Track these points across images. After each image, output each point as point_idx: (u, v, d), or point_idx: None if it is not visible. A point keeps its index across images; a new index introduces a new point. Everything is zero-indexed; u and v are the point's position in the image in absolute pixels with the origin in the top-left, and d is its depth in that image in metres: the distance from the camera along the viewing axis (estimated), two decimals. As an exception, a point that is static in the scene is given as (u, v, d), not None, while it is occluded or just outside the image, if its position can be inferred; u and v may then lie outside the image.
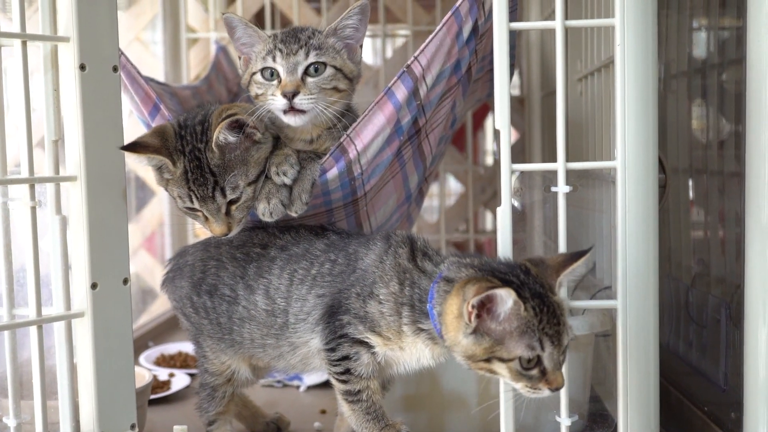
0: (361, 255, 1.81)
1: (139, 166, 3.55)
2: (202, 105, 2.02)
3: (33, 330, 1.65)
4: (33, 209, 1.63)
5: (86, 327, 1.67)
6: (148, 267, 3.70)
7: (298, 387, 2.65)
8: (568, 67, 2.49)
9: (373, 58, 4.30)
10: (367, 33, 3.66)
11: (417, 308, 1.70)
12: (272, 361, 1.95)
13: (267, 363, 1.99)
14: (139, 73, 2.00)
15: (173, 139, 1.83)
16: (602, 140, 2.23)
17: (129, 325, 1.74)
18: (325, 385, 2.55)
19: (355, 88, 2.04)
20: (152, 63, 3.60)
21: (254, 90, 1.97)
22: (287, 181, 1.86)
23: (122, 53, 1.90)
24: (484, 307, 1.56)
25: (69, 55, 1.62)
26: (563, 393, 1.74)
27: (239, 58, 2.08)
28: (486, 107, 4.02)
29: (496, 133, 1.74)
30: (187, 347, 2.89)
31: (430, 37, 1.90)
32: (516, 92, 3.83)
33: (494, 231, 1.78)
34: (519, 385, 1.59)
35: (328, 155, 1.90)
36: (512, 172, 1.73)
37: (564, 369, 1.71)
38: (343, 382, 1.79)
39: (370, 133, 1.89)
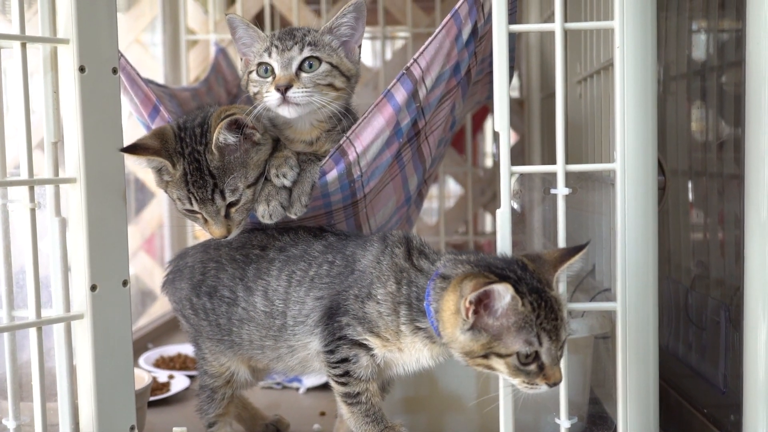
0: (358, 256, 1.81)
1: (139, 168, 3.55)
2: (201, 107, 2.02)
3: (32, 332, 1.65)
4: (32, 211, 1.63)
5: (86, 329, 1.67)
6: (147, 269, 3.70)
7: (297, 389, 2.65)
8: (568, 69, 2.50)
9: (372, 59, 4.31)
10: (367, 35, 3.66)
11: (414, 307, 1.70)
12: (271, 362, 1.95)
13: (266, 365, 1.99)
14: (138, 75, 2.00)
15: (173, 141, 1.83)
16: (601, 142, 2.23)
17: (128, 327, 1.74)
18: (325, 387, 2.55)
19: (354, 88, 2.04)
20: (152, 65, 3.60)
21: (251, 89, 1.97)
22: (287, 183, 1.86)
23: (122, 55, 1.90)
24: (482, 303, 1.56)
25: (68, 57, 1.62)
26: (562, 395, 1.74)
27: (240, 59, 2.08)
28: (485, 109, 4.03)
29: (496, 135, 1.74)
30: (187, 349, 2.89)
31: (430, 39, 1.90)
32: (515, 94, 3.83)
33: (494, 233, 1.78)
34: (517, 381, 1.59)
35: (327, 157, 1.90)
36: (512, 174, 1.73)
37: (563, 366, 1.71)
38: (343, 384, 1.79)
39: (369, 135, 1.89)
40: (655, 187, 1.73)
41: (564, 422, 1.76)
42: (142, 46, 3.66)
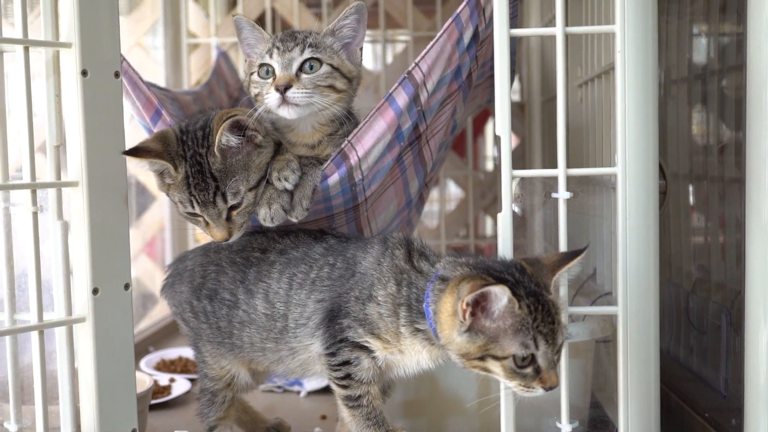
0: (359, 258, 1.82)
1: (140, 171, 3.56)
2: (203, 110, 2.02)
3: (34, 335, 1.65)
4: (34, 214, 1.64)
5: (87, 332, 1.67)
6: (148, 272, 3.70)
7: (298, 392, 2.65)
8: (569, 73, 2.50)
9: (373, 63, 4.31)
10: (368, 38, 3.66)
11: (414, 308, 1.71)
12: (272, 365, 1.95)
13: (266, 367, 1.99)
14: (140, 78, 2.00)
15: (175, 144, 1.83)
16: (603, 146, 2.23)
17: (130, 330, 1.74)
18: (326, 390, 2.55)
19: (356, 90, 2.04)
20: (153, 68, 3.60)
21: (253, 90, 1.98)
22: (288, 186, 1.86)
23: (124, 59, 1.90)
24: (479, 305, 1.56)
25: (71, 61, 1.63)
26: (563, 398, 1.74)
27: (245, 60, 2.08)
28: (486, 112, 4.03)
29: (497, 139, 1.74)
30: (188, 352, 2.89)
31: (431, 43, 1.91)
32: (516, 98, 3.84)
33: (494, 236, 1.79)
34: (513, 384, 1.59)
35: (329, 161, 1.90)
36: (513, 177, 1.73)
37: (562, 372, 1.72)
38: (344, 387, 1.80)
39: (371, 139, 1.90)
40: (656, 190, 1.74)
41: (565, 426, 1.76)
42: (143, 50, 3.66)
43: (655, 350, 1.75)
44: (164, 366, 2.89)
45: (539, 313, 1.57)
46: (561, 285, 1.72)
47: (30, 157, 1.63)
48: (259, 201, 1.87)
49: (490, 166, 5.12)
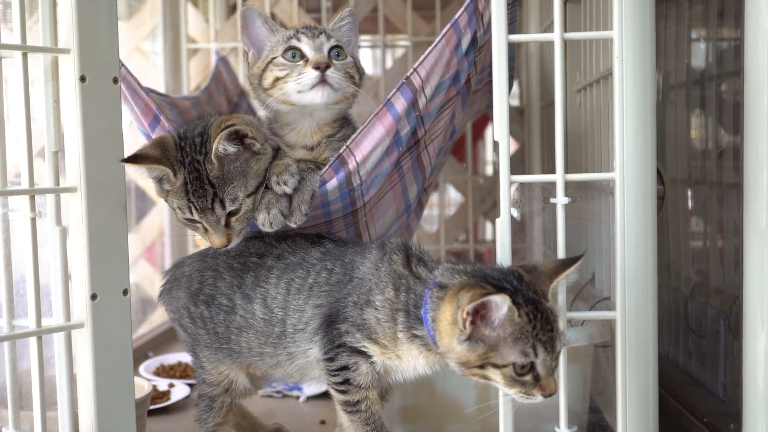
0: (357, 263, 1.82)
1: (140, 177, 3.55)
2: (202, 116, 2.02)
3: (33, 341, 1.65)
4: (33, 220, 1.64)
5: (86, 338, 1.67)
6: (148, 277, 3.70)
7: (297, 397, 2.65)
8: (567, 78, 2.50)
9: (372, 68, 4.32)
10: (367, 43, 3.67)
11: (412, 314, 1.71)
12: (270, 369, 1.95)
13: (264, 372, 1.99)
14: (139, 84, 2.01)
15: (173, 150, 1.83)
16: (601, 151, 2.23)
17: (128, 336, 1.74)
18: (325, 395, 2.55)
19: (360, 87, 2.06)
20: (152, 73, 3.60)
21: (273, 75, 1.98)
22: (287, 190, 1.86)
23: (122, 64, 1.91)
24: (479, 314, 1.56)
25: (69, 67, 1.63)
26: (562, 403, 1.74)
27: (245, 54, 2.09)
28: (486, 117, 4.03)
29: (496, 144, 1.74)
30: (187, 357, 2.87)
31: (429, 48, 1.91)
32: (515, 103, 3.84)
33: (494, 241, 1.78)
34: (512, 391, 1.59)
35: (327, 166, 1.90)
36: (511, 183, 1.73)
37: (561, 377, 1.72)
38: (342, 392, 1.80)
39: (369, 144, 1.90)
40: (654, 196, 1.74)
41: (564, 431, 1.76)
42: (142, 55, 3.66)
43: (654, 355, 1.75)
44: (163, 371, 2.89)
45: (538, 321, 1.57)
46: (559, 291, 1.72)
47: (28, 163, 1.63)
48: (258, 206, 1.87)
49: (489, 170, 5.12)
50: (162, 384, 2.73)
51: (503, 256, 1.73)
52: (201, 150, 1.82)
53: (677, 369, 2.44)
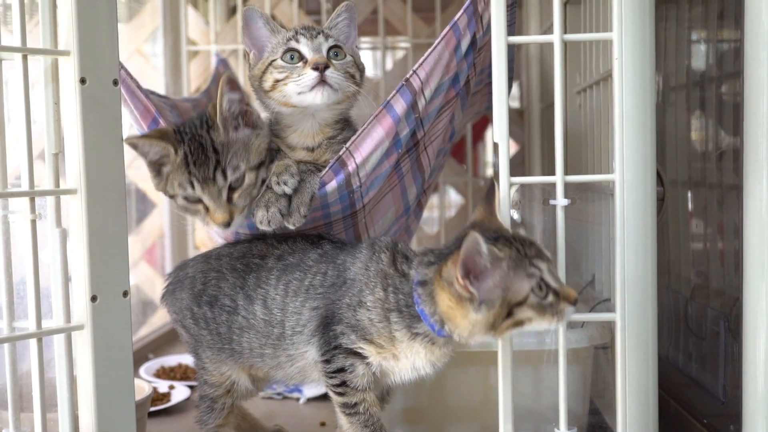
0: (348, 264, 1.83)
1: (140, 178, 3.56)
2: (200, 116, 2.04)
3: (33, 342, 1.65)
4: (33, 222, 1.64)
5: (86, 339, 1.67)
6: (148, 279, 3.70)
7: (297, 399, 2.65)
8: (567, 79, 2.50)
9: (373, 70, 4.32)
10: (367, 45, 3.67)
11: (405, 313, 1.72)
12: (271, 370, 1.95)
13: (266, 373, 1.99)
14: (138, 86, 2.01)
15: (172, 134, 1.89)
16: (601, 153, 2.23)
17: (129, 338, 1.74)
18: (325, 397, 2.54)
19: (361, 86, 2.06)
20: (153, 75, 3.61)
21: (273, 77, 1.98)
22: (287, 190, 1.87)
23: (122, 67, 1.91)
24: (470, 274, 1.58)
25: (69, 69, 1.63)
26: (562, 405, 1.74)
27: (245, 56, 2.09)
28: (486, 119, 4.03)
29: (496, 146, 1.74)
30: (187, 359, 2.89)
31: (429, 50, 1.91)
32: (515, 104, 3.84)
33: (493, 243, 1.78)
34: (546, 321, 1.60)
35: (327, 168, 1.90)
36: (511, 184, 1.74)
37: (561, 378, 1.72)
38: (340, 394, 1.80)
39: (369, 146, 1.90)
40: (653, 197, 1.74)
41: (563, 432, 1.76)
42: (143, 57, 3.66)
43: (654, 356, 1.75)
44: (164, 373, 2.89)
45: (518, 244, 1.61)
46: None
47: (29, 165, 1.63)
48: (257, 203, 1.88)
49: (489, 172, 5.12)
50: (162, 386, 2.73)
51: (503, 258, 1.73)
52: (202, 126, 1.88)
53: (677, 370, 2.44)
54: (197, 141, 1.86)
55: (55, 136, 1.68)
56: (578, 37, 1.88)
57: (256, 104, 2.09)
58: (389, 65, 3.87)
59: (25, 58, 1.62)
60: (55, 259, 1.68)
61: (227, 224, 1.87)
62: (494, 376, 1.76)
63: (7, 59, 1.70)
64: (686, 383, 2.36)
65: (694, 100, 2.41)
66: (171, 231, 3.62)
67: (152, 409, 2.44)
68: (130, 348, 1.75)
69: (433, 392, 2.10)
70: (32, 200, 1.64)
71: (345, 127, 2.05)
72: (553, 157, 1.77)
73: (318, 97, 1.94)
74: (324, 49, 1.97)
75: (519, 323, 1.61)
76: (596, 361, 2.19)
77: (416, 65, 1.91)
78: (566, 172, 1.74)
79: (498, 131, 1.72)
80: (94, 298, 1.66)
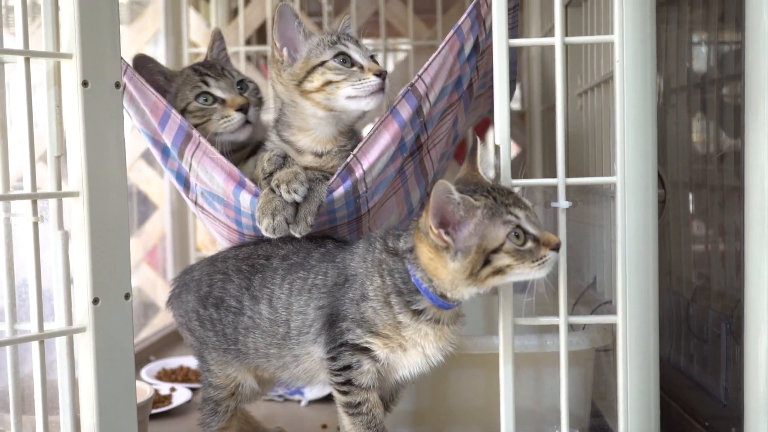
0: (347, 261, 1.85)
1: (142, 180, 3.57)
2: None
3: (35, 345, 1.65)
4: (35, 224, 1.64)
5: (88, 342, 1.67)
6: (149, 281, 3.70)
7: (299, 401, 2.65)
8: (569, 82, 2.50)
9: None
10: (369, 47, 3.67)
11: (404, 291, 1.74)
12: (277, 371, 1.96)
13: (272, 374, 2.00)
14: (144, 83, 2.01)
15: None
16: (602, 155, 2.23)
17: (130, 340, 1.74)
18: (327, 399, 2.56)
19: None
20: (154, 77, 3.60)
21: (325, 78, 1.94)
22: (298, 198, 1.85)
23: (128, 65, 1.92)
24: (445, 223, 1.61)
25: (71, 72, 1.63)
26: (563, 407, 1.75)
27: (274, 53, 2.02)
28: (487, 122, 4.03)
29: (497, 148, 1.75)
30: (189, 361, 2.90)
31: (434, 55, 1.91)
32: (517, 106, 3.84)
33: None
34: (527, 267, 1.62)
35: (335, 175, 1.90)
36: (512, 187, 1.74)
37: (562, 380, 1.72)
38: (344, 393, 1.80)
39: (376, 152, 1.90)
40: (655, 199, 1.74)
41: (565, 435, 1.76)
42: (144, 59, 3.66)
43: (655, 359, 1.75)
44: (165, 375, 2.89)
45: (495, 193, 1.65)
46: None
47: (31, 168, 1.63)
48: (263, 210, 1.87)
49: (491, 174, 5.12)
50: (164, 388, 2.73)
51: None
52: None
53: (679, 373, 2.43)
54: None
55: (57, 139, 1.68)
56: (579, 39, 1.88)
57: (270, 99, 2.12)
58: (390, 67, 3.87)
59: (27, 60, 1.62)
60: (57, 262, 1.68)
61: (245, 109, 2.04)
62: (496, 379, 1.76)
63: (10, 62, 1.70)
64: (688, 385, 2.36)
65: (695, 102, 2.41)
66: (172, 233, 3.62)
67: (154, 411, 2.44)
68: (131, 350, 1.75)
69: (435, 394, 2.10)
70: (34, 203, 1.64)
71: (353, 136, 2.06)
72: (554, 159, 1.78)
73: (372, 103, 1.93)
74: (368, 55, 1.97)
75: (499, 271, 1.63)
76: (598, 364, 2.19)
77: (421, 70, 1.91)
78: (568, 175, 1.74)
79: (499, 134, 1.73)
80: (95, 301, 1.66)
